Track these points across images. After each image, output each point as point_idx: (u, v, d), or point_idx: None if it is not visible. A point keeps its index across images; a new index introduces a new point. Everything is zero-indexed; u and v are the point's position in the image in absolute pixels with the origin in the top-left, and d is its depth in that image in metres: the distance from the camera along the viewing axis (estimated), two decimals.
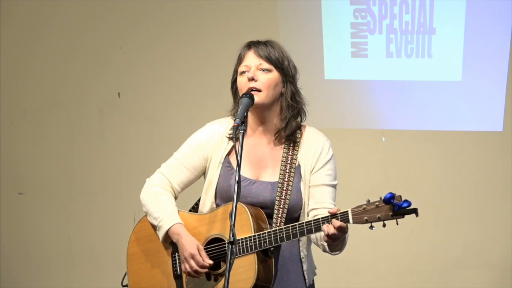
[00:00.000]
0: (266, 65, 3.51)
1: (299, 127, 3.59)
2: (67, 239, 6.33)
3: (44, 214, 6.36)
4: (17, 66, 6.34)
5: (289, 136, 3.55)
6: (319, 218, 3.33)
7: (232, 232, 3.24)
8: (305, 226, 3.35)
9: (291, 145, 3.56)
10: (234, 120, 3.40)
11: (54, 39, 6.25)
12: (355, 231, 5.92)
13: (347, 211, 3.26)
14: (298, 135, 3.57)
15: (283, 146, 3.56)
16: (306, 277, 3.55)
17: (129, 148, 6.22)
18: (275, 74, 3.52)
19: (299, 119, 3.58)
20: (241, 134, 3.38)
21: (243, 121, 3.40)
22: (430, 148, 5.72)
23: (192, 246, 3.52)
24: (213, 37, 5.96)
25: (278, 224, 3.47)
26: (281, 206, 3.48)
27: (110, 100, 6.22)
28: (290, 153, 3.55)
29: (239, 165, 3.30)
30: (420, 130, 5.70)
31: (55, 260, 6.35)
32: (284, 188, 3.50)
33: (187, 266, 3.52)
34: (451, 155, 5.70)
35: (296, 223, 3.39)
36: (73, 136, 6.30)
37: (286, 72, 3.53)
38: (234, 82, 3.59)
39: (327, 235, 3.30)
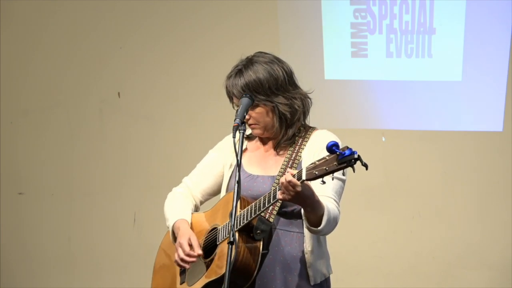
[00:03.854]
0: None
1: (304, 127, 3.60)
2: (67, 239, 6.34)
3: (44, 214, 6.36)
4: (17, 66, 6.34)
5: (290, 140, 3.57)
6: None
7: (232, 233, 3.25)
8: (272, 193, 3.35)
9: (298, 144, 3.57)
10: (234, 120, 3.42)
11: (54, 39, 6.25)
12: (355, 231, 5.92)
13: (302, 169, 3.23)
14: (306, 138, 3.58)
15: (289, 148, 3.58)
16: (310, 274, 3.52)
17: (129, 148, 6.22)
18: (259, 108, 3.52)
19: (298, 123, 3.58)
20: (241, 134, 3.40)
21: (243, 121, 3.43)
22: (430, 148, 5.72)
23: (182, 237, 3.56)
24: (213, 37, 5.96)
25: (269, 214, 3.47)
26: None
27: (110, 100, 6.22)
28: (295, 151, 3.56)
29: (238, 165, 3.33)
30: (420, 130, 5.70)
31: (55, 260, 6.35)
32: None
33: (176, 255, 3.56)
34: (451, 155, 5.70)
35: (262, 196, 3.40)
36: (73, 136, 6.30)
37: (268, 96, 3.50)
38: None
39: (281, 190, 3.26)
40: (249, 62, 3.55)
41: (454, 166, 5.70)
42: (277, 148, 3.59)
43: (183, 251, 3.53)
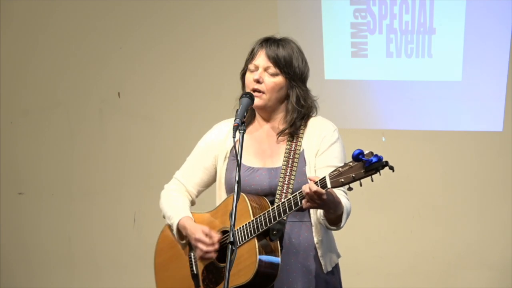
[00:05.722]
0: (273, 69, 3.53)
1: (303, 118, 3.60)
2: (67, 239, 6.33)
3: (44, 214, 6.36)
4: (17, 66, 6.34)
5: (293, 132, 3.58)
6: (301, 191, 3.31)
7: (232, 233, 3.25)
8: (292, 200, 3.35)
9: (296, 134, 3.57)
10: (234, 120, 3.41)
11: (54, 39, 6.25)
12: (355, 231, 5.92)
13: (325, 176, 3.23)
14: (302, 126, 3.58)
15: (287, 137, 3.58)
16: (323, 263, 3.55)
17: (129, 148, 6.22)
18: (280, 79, 3.54)
19: (303, 120, 3.60)
20: (241, 134, 3.39)
21: (243, 121, 3.42)
22: (430, 148, 5.72)
23: (196, 231, 3.56)
24: (213, 37, 5.96)
25: None
26: (284, 191, 3.48)
27: (110, 100, 6.22)
28: (294, 141, 3.56)
29: (238, 165, 3.31)
30: (420, 130, 5.70)
31: (55, 260, 6.35)
32: (287, 173, 3.50)
33: (198, 251, 3.56)
34: (451, 155, 5.70)
35: (285, 199, 3.39)
36: (73, 136, 6.30)
37: (293, 77, 3.54)
38: (243, 75, 3.61)
39: (306, 199, 3.26)
40: (286, 40, 3.58)
41: (454, 166, 5.70)
42: (279, 136, 3.57)
43: (204, 243, 3.52)
